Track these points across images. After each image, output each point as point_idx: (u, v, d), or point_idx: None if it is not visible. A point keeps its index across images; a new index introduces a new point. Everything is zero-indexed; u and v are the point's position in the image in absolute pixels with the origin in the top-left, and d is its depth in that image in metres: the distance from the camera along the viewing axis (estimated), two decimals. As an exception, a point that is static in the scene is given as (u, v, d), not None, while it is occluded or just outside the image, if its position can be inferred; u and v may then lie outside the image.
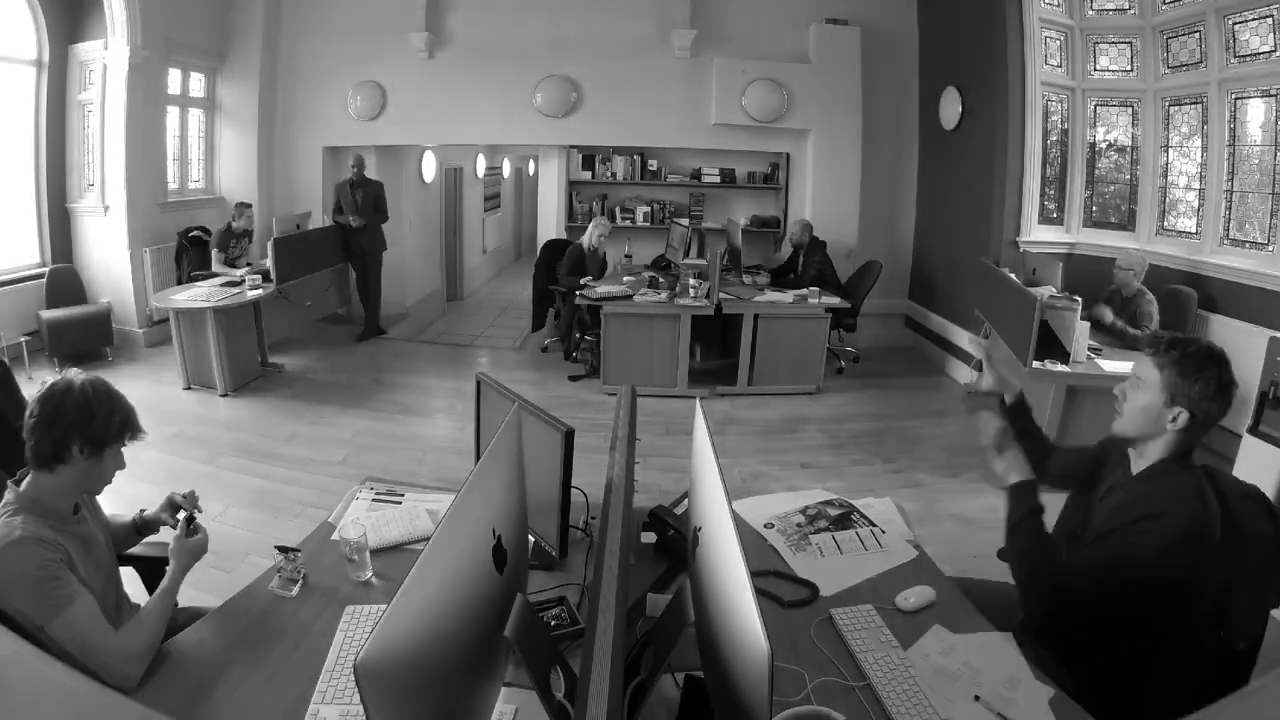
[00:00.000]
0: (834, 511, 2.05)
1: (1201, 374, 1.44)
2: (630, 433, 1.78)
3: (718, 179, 6.98)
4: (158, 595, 1.53)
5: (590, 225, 5.87)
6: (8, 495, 1.44)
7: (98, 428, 1.43)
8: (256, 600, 1.64)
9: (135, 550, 1.81)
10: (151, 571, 1.78)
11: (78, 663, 1.34)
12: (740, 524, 1.49)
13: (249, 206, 5.88)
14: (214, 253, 5.70)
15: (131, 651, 1.38)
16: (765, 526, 1.99)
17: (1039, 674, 1.46)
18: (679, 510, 1.93)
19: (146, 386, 5.08)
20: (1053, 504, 1.68)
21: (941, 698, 1.40)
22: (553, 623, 1.56)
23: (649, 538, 1.88)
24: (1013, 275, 4.59)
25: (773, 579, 1.74)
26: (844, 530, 1.96)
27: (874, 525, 1.98)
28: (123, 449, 1.51)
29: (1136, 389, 1.51)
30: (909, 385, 5.71)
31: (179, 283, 5.61)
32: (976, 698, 1.39)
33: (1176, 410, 1.46)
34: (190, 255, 5.76)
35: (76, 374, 1.48)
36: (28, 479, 1.44)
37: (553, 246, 6.23)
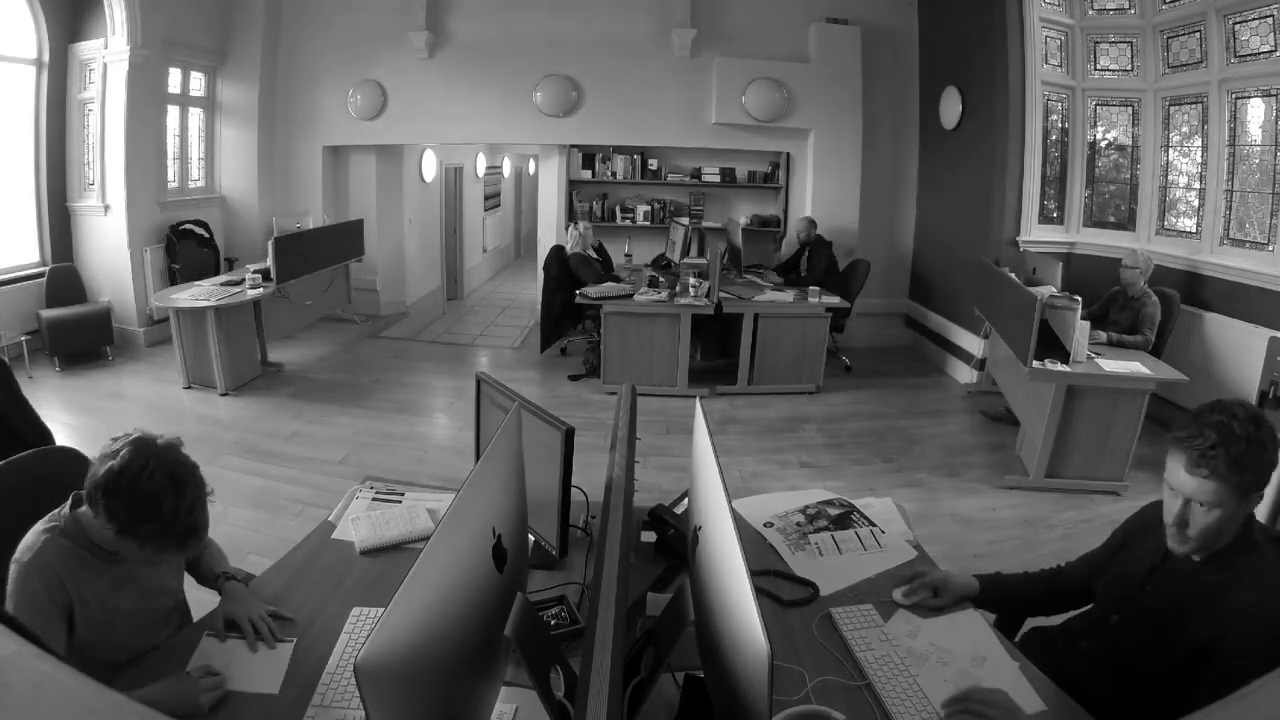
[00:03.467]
0: (834, 511, 2.04)
1: (1263, 447, 1.24)
2: (630, 432, 1.78)
3: (718, 178, 6.98)
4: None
5: (571, 232, 5.80)
6: (61, 510, 1.41)
7: (149, 531, 1.31)
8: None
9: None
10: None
11: (82, 666, 1.33)
12: (740, 523, 1.49)
13: None
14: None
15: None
16: (765, 526, 1.99)
17: (1008, 648, 1.51)
18: (679, 509, 1.93)
19: (146, 386, 5.09)
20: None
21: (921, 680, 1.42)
22: (553, 622, 1.56)
23: (649, 537, 1.88)
24: (1013, 275, 4.58)
25: (772, 578, 1.74)
26: (843, 530, 1.95)
27: (874, 525, 1.98)
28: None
29: (1205, 512, 1.28)
30: (909, 385, 5.71)
31: (169, 278, 5.70)
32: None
33: (1254, 498, 1.27)
34: (180, 250, 5.81)
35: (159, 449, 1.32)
36: (81, 508, 1.38)
37: (560, 251, 5.98)
